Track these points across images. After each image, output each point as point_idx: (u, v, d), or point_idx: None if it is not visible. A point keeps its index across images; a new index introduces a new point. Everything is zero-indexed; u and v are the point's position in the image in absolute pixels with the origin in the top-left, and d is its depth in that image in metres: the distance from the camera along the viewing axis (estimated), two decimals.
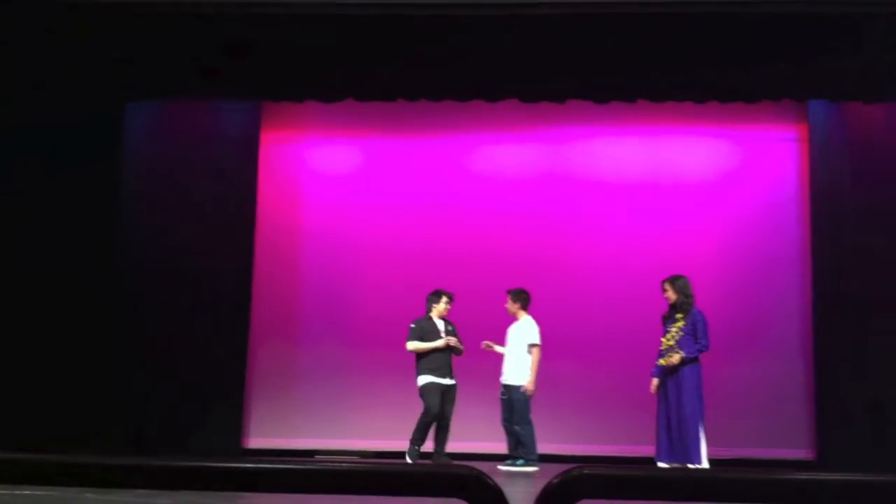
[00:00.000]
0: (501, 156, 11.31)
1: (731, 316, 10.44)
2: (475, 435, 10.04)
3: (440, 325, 9.58)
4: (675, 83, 9.97)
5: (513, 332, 9.75)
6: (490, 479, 1.65)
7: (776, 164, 11.09)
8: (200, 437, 10.33)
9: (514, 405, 9.45)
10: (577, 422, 10.50)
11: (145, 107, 11.00)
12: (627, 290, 10.62)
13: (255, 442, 10.80)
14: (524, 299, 9.76)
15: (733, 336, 10.35)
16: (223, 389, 10.59)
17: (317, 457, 10.37)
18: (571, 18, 9.09)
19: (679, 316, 8.94)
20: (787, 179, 11.01)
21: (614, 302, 10.69)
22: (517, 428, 9.41)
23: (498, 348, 9.71)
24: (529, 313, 9.77)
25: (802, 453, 10.32)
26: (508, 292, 9.80)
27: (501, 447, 9.61)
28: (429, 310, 9.67)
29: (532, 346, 9.57)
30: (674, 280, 9.08)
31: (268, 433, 10.82)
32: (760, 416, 10.36)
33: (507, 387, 9.56)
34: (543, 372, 9.64)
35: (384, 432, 10.58)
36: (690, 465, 8.53)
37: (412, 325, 9.58)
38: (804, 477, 1.67)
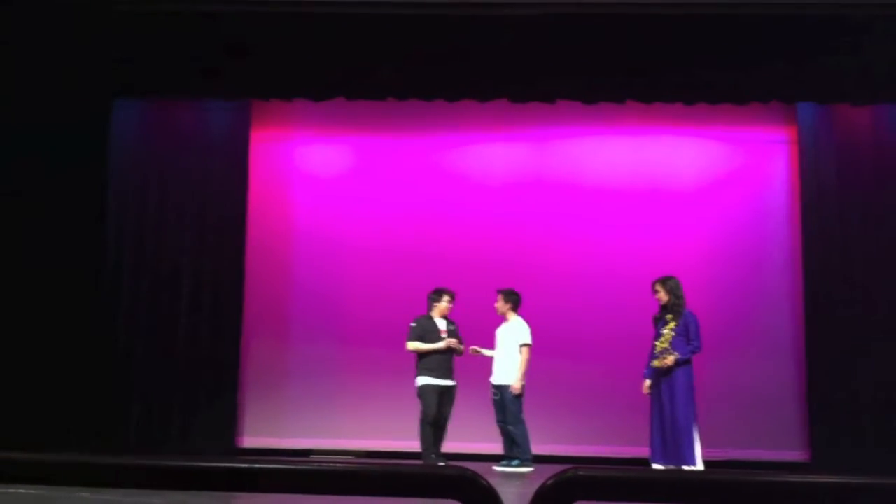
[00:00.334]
0: (491, 155, 11.32)
1: (723, 317, 10.46)
2: (470, 435, 10.03)
3: (441, 324, 9.53)
4: (665, 84, 10.00)
5: (503, 332, 9.73)
6: (484, 479, 1.65)
7: (765, 165, 11.11)
8: (194, 437, 10.34)
9: (506, 405, 9.45)
10: (572, 422, 10.50)
11: (134, 105, 10.98)
12: (619, 291, 10.63)
13: (248, 441, 10.79)
14: (515, 300, 9.75)
15: (725, 337, 10.36)
16: (216, 389, 10.58)
17: (311, 456, 10.36)
18: (562, 19, 9.12)
19: (670, 317, 8.93)
20: (776, 181, 11.03)
21: (606, 302, 10.70)
22: (510, 428, 9.41)
23: (485, 352, 9.69)
24: (519, 314, 9.76)
25: (795, 455, 10.33)
26: (500, 292, 9.78)
27: (496, 448, 9.61)
28: (430, 308, 9.59)
29: (523, 345, 9.56)
30: (665, 281, 9.08)
31: (261, 432, 10.81)
32: (753, 417, 10.37)
33: (498, 387, 9.55)
34: (537, 372, 9.64)
35: (377, 432, 10.58)
36: (684, 467, 8.54)
37: (412, 325, 9.50)
38: (797, 479, 1.67)
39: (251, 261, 11.00)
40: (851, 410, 9.97)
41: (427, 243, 11.02)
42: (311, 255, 11.20)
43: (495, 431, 9.61)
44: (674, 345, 8.79)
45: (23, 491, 5.98)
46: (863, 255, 10.31)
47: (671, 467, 8.54)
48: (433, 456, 9.15)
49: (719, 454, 9.70)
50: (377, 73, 10.04)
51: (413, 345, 9.42)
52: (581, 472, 1.66)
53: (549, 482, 1.65)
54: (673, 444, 8.71)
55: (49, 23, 9.24)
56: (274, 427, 10.83)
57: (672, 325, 8.88)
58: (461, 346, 9.49)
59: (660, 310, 9.12)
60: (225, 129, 11.14)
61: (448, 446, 9.42)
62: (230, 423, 10.65)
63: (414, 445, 9.31)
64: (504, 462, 9.40)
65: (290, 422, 10.86)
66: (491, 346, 9.74)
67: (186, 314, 10.70)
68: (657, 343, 8.90)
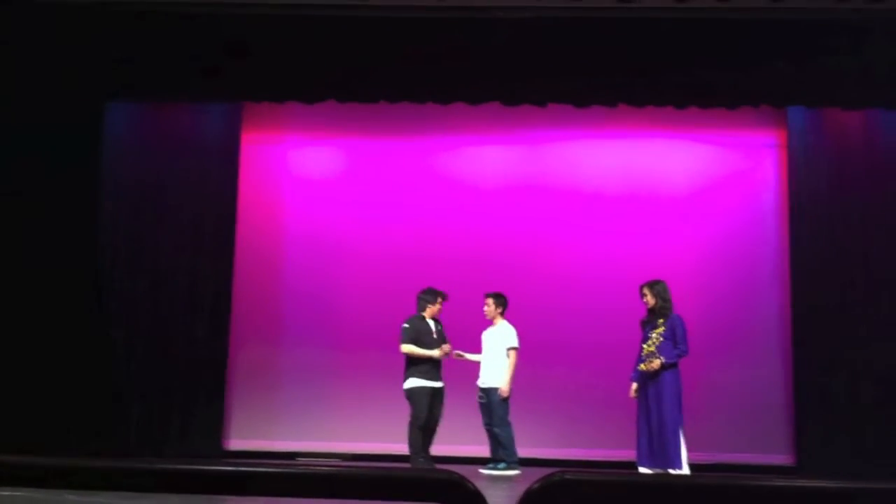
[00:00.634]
0: (483, 158, 11.32)
1: (711, 321, 10.47)
2: (457, 438, 10.02)
3: (432, 325, 9.54)
4: (656, 88, 10.02)
5: (490, 336, 9.73)
6: (470, 483, 1.66)
7: (756, 169, 11.13)
8: (181, 439, 10.31)
9: (493, 408, 9.45)
10: (559, 426, 10.50)
11: (127, 107, 10.96)
12: (607, 294, 10.63)
13: (235, 444, 10.77)
14: (504, 304, 9.76)
15: (713, 341, 10.38)
16: (204, 391, 10.55)
17: (298, 459, 10.35)
18: (554, 22, 9.13)
19: (660, 321, 8.94)
20: (766, 185, 11.05)
21: (595, 305, 10.71)
22: (496, 430, 9.40)
23: (468, 356, 9.68)
24: (506, 317, 9.77)
25: (781, 458, 10.35)
26: (490, 296, 9.77)
27: (483, 451, 9.60)
28: (422, 309, 9.53)
29: (511, 349, 9.56)
30: (652, 285, 9.08)
31: (249, 435, 10.79)
32: (740, 421, 10.39)
33: (485, 390, 9.55)
34: (525, 376, 9.64)
35: (366, 435, 10.57)
36: (670, 470, 8.55)
37: (405, 326, 9.41)
38: (784, 483, 1.68)
39: (241, 263, 10.98)
40: (838, 415, 9.99)
41: (417, 246, 11.02)
42: (301, 257, 11.19)
43: (482, 434, 9.60)
44: (661, 348, 8.80)
45: (7, 493, 5.96)
46: (852, 260, 10.33)
47: (658, 471, 8.54)
48: (421, 459, 9.14)
49: (706, 458, 9.72)
50: (369, 76, 10.03)
51: (408, 348, 9.32)
52: (568, 476, 1.66)
53: (536, 486, 1.66)
54: (659, 448, 8.71)
55: (42, 26, 9.22)
56: (262, 429, 10.81)
57: (660, 329, 8.88)
58: (450, 350, 9.47)
59: (647, 313, 9.12)
60: (216, 131, 11.12)
61: (435, 449, 9.38)
62: (218, 425, 10.62)
63: (402, 448, 9.28)
64: (490, 465, 9.39)
65: (277, 424, 10.84)
66: (477, 348, 9.73)
67: (176, 316, 10.68)
68: (644, 347, 8.91)
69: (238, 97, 10.89)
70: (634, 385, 9.01)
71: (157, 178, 10.92)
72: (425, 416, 9.18)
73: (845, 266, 10.34)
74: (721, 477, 1.69)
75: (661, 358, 8.72)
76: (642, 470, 8.66)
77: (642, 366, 8.83)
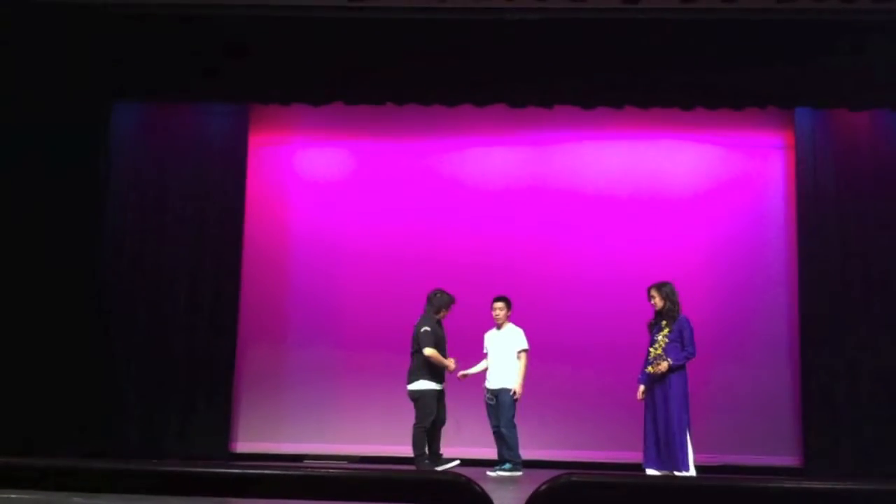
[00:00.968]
0: (489, 160, 11.31)
1: (718, 322, 10.45)
2: (464, 440, 10.01)
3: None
4: (663, 89, 10.00)
5: (497, 337, 9.71)
6: (478, 485, 1.66)
7: (762, 170, 11.11)
8: (188, 441, 10.31)
9: (502, 408, 9.44)
10: (565, 427, 10.49)
11: (133, 107, 10.97)
12: (614, 295, 10.61)
13: (242, 446, 10.77)
14: (511, 307, 9.76)
15: (720, 343, 10.37)
16: (211, 393, 10.56)
17: (305, 461, 10.35)
18: (560, 24, 9.13)
19: (665, 323, 8.93)
20: (774, 186, 11.02)
21: (602, 307, 10.68)
22: (504, 430, 9.40)
23: (473, 371, 9.69)
24: (510, 320, 9.77)
25: (788, 460, 10.32)
26: (501, 299, 9.75)
27: (490, 453, 9.59)
28: (437, 311, 9.46)
29: (523, 351, 9.57)
30: (660, 286, 9.07)
31: (255, 437, 10.79)
32: (747, 423, 10.36)
33: (496, 391, 9.54)
34: (531, 377, 9.62)
35: (372, 437, 10.56)
36: (677, 472, 8.54)
37: (427, 329, 9.28)
38: (791, 485, 1.68)
39: (248, 264, 10.99)
40: (845, 416, 9.97)
41: (424, 248, 11.01)
42: (308, 259, 11.19)
43: (488, 437, 9.60)
44: (668, 350, 8.79)
45: (14, 496, 5.97)
46: (859, 261, 10.31)
47: (664, 473, 8.53)
48: (427, 461, 9.14)
49: (712, 459, 9.71)
50: (375, 78, 10.03)
51: (432, 351, 9.24)
52: (574, 478, 1.66)
53: (543, 487, 1.65)
54: (666, 450, 8.71)
55: (48, 25, 9.24)
56: (269, 432, 10.81)
57: (667, 330, 8.87)
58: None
59: (654, 315, 9.11)
60: (223, 133, 11.13)
61: (441, 451, 9.40)
62: (224, 427, 10.62)
63: (408, 450, 9.28)
64: (497, 467, 9.39)
65: (284, 427, 10.84)
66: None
67: (183, 317, 10.69)
68: (652, 349, 8.89)
69: (245, 99, 10.90)
70: (641, 387, 9.01)
71: (163, 179, 10.93)
72: (433, 418, 9.19)
73: (853, 268, 10.31)
74: (728, 479, 1.69)
75: (669, 360, 8.71)
76: (649, 472, 8.66)
77: (650, 368, 8.81)
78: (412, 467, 8.88)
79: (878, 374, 9.95)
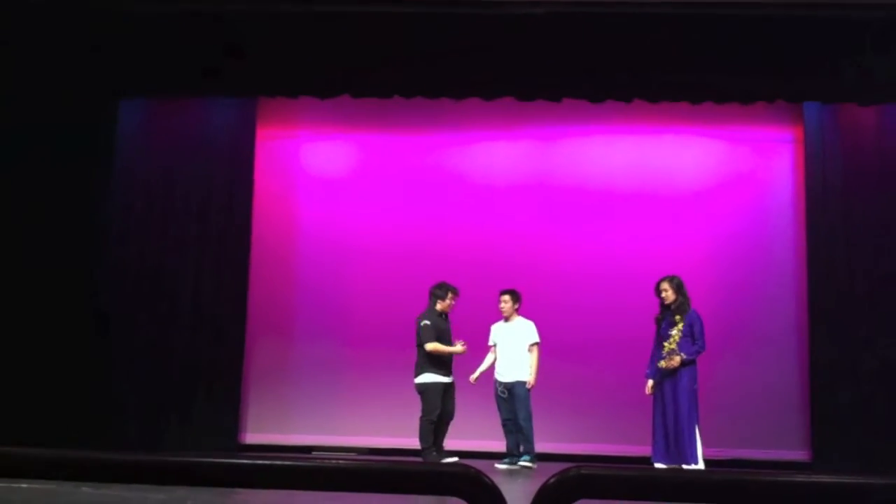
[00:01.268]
0: (497, 154, 11.31)
1: (726, 317, 10.44)
2: (471, 433, 10.03)
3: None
4: (671, 84, 9.98)
5: (507, 330, 9.72)
6: (488, 478, 1.66)
7: (771, 165, 11.09)
8: (197, 432, 10.34)
9: (519, 401, 9.45)
10: (574, 421, 10.50)
11: (140, 103, 10.99)
12: (621, 289, 10.60)
13: (251, 438, 10.80)
14: (520, 300, 9.77)
15: (728, 337, 10.35)
16: (220, 385, 10.59)
17: (313, 453, 10.37)
18: (568, 17, 9.10)
19: (678, 318, 8.92)
20: (782, 181, 11.01)
21: (609, 301, 10.68)
22: (523, 423, 9.41)
23: (482, 368, 9.69)
24: (520, 313, 9.78)
25: (797, 455, 10.32)
26: (507, 293, 9.76)
27: (498, 445, 9.61)
28: (433, 304, 9.56)
29: (536, 344, 9.59)
30: (672, 279, 9.07)
31: (265, 429, 10.82)
32: (755, 417, 10.36)
33: (509, 384, 9.53)
34: (540, 371, 9.64)
35: (380, 429, 10.59)
36: (686, 466, 8.54)
37: (427, 323, 9.40)
38: (800, 479, 1.67)
39: (256, 258, 11.01)
40: (854, 411, 9.95)
41: (431, 242, 11.02)
42: (316, 252, 11.20)
43: (496, 429, 9.61)
44: (680, 345, 8.80)
45: (24, 485, 6.00)
46: (868, 256, 10.28)
47: (673, 466, 8.53)
48: (434, 453, 9.16)
49: (720, 453, 9.71)
50: (383, 71, 10.03)
51: (434, 345, 9.33)
52: (584, 471, 1.66)
53: (552, 480, 1.66)
54: (675, 444, 8.72)
55: (52, 22, 9.24)
56: (278, 424, 10.84)
57: (679, 325, 8.87)
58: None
59: (662, 309, 9.10)
60: (230, 127, 11.14)
61: (448, 444, 9.42)
62: (234, 419, 10.66)
63: (415, 443, 9.31)
64: (507, 460, 9.41)
65: (293, 418, 10.87)
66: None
67: (191, 310, 10.72)
68: (666, 344, 8.88)
69: (252, 92, 10.90)
70: (650, 382, 9.02)
71: (171, 173, 10.96)
72: (438, 411, 9.21)
73: (861, 263, 10.29)
74: (736, 473, 1.69)
75: (682, 354, 8.71)
76: (657, 466, 8.66)
77: (662, 363, 8.81)
78: (419, 459, 8.90)
79: (888, 369, 9.93)
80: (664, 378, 8.86)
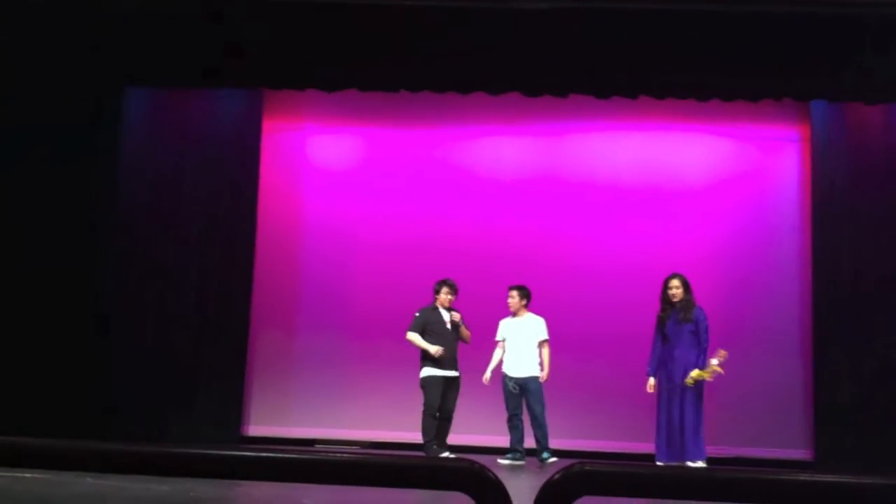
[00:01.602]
0: (502, 149, 11.29)
1: (730, 315, 10.42)
2: (474, 428, 10.03)
3: (445, 315, 9.57)
4: (678, 80, 9.97)
5: (516, 326, 9.71)
6: (492, 473, 1.66)
7: (777, 163, 11.06)
8: (200, 424, 10.34)
9: (534, 397, 9.45)
10: (578, 418, 10.48)
11: (145, 94, 10.98)
12: (626, 286, 10.58)
13: (254, 430, 10.81)
14: (529, 296, 9.77)
15: (732, 336, 10.31)
16: (223, 377, 10.60)
17: (315, 446, 10.39)
18: (575, 13, 9.09)
19: (684, 315, 8.93)
20: (788, 179, 10.98)
21: (613, 298, 10.66)
22: (540, 418, 9.42)
23: (493, 365, 9.69)
24: (529, 309, 9.78)
25: (799, 453, 10.31)
26: (515, 288, 9.76)
27: (501, 441, 9.61)
28: (434, 299, 9.66)
29: (546, 341, 9.61)
30: (682, 277, 9.09)
31: (267, 421, 10.82)
32: (758, 416, 10.35)
33: (522, 380, 9.52)
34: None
35: (383, 423, 10.60)
36: (690, 463, 8.55)
37: (416, 314, 9.56)
38: (802, 478, 1.67)
39: (261, 249, 11.02)
40: (857, 410, 9.94)
41: (436, 236, 11.02)
42: (320, 245, 11.20)
43: (499, 425, 9.62)
44: (690, 344, 8.83)
45: (28, 475, 6.02)
46: (872, 255, 10.26)
47: (676, 464, 8.54)
48: (435, 447, 9.18)
49: (723, 451, 9.71)
50: (389, 65, 10.02)
51: (412, 335, 9.50)
52: (588, 468, 1.66)
53: (556, 476, 1.66)
54: (680, 440, 8.72)
55: (58, 9, 9.23)
56: (280, 416, 10.85)
57: (689, 324, 8.90)
58: (466, 332, 9.53)
59: (664, 306, 9.10)
60: (236, 119, 11.14)
61: (451, 439, 9.43)
62: (236, 411, 10.67)
63: (418, 437, 9.33)
64: (510, 455, 9.40)
65: (295, 411, 10.88)
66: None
67: (195, 302, 10.72)
68: (713, 362, 8.84)
69: (259, 84, 10.89)
70: (651, 380, 9.02)
71: (176, 162, 10.95)
72: (437, 405, 9.24)
73: (867, 261, 10.26)
74: (739, 471, 1.69)
75: (718, 369, 8.76)
76: (660, 463, 8.67)
77: (689, 381, 8.78)
78: (421, 454, 8.91)
79: (892, 368, 9.91)
80: (671, 377, 8.87)
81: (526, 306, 9.77)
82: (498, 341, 9.75)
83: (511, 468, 9.08)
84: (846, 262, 10.32)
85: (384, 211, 11.17)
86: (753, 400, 10.38)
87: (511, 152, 11.29)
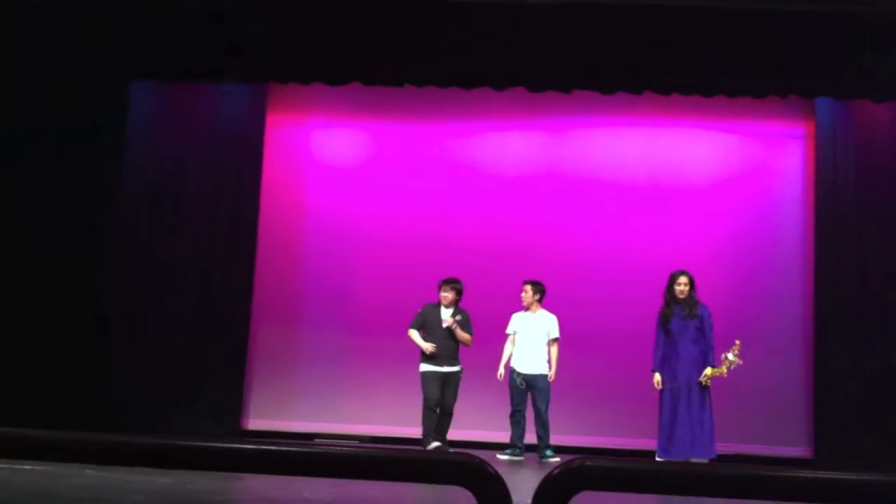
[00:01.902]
0: (506, 144, 11.28)
1: (734, 312, 10.39)
2: (473, 423, 10.03)
3: (445, 313, 9.57)
4: (683, 76, 9.95)
5: (528, 321, 9.68)
6: (492, 467, 1.66)
7: (781, 160, 11.04)
8: (200, 418, 10.35)
9: (541, 394, 9.47)
10: (580, 413, 10.48)
11: (149, 88, 10.98)
12: (629, 283, 10.59)
13: (254, 423, 10.82)
14: (543, 291, 9.75)
15: (735, 332, 10.31)
16: (224, 370, 10.60)
17: (316, 440, 10.39)
18: (580, 8, 9.09)
19: (689, 312, 8.94)
20: (793, 176, 10.97)
21: (617, 294, 10.66)
22: (545, 415, 9.43)
23: (504, 361, 9.68)
24: (542, 306, 9.78)
25: (799, 451, 10.31)
26: (528, 283, 9.76)
27: (501, 436, 9.61)
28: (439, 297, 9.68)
29: (556, 340, 9.62)
30: (690, 274, 9.10)
31: (268, 415, 10.83)
32: (759, 413, 10.34)
33: (532, 377, 9.51)
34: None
35: (383, 417, 10.60)
36: (708, 459, 8.59)
37: (418, 311, 9.62)
38: (803, 475, 1.67)
39: (263, 244, 11.01)
40: (858, 408, 9.94)
41: (439, 232, 11.01)
42: (323, 240, 11.19)
43: (498, 420, 9.62)
44: (697, 340, 8.85)
45: (28, 467, 6.02)
46: (875, 254, 10.25)
47: (677, 460, 8.55)
48: (431, 440, 9.20)
49: (724, 448, 9.70)
50: (394, 59, 10.01)
51: (409, 332, 9.59)
52: (588, 463, 1.66)
53: (557, 471, 1.65)
54: (700, 435, 8.77)
55: (63, 3, 9.23)
56: (281, 410, 10.86)
57: (695, 320, 8.91)
58: (466, 333, 9.52)
59: (668, 303, 9.10)
60: (241, 112, 11.13)
61: (451, 434, 9.44)
62: (237, 404, 10.68)
63: (419, 432, 9.34)
64: (509, 450, 9.41)
65: (296, 405, 10.88)
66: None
67: (198, 296, 10.73)
68: (729, 356, 8.87)
69: (263, 78, 10.89)
70: (657, 376, 9.02)
71: (180, 156, 10.95)
72: (435, 400, 9.28)
73: (869, 260, 10.26)
74: (740, 467, 1.68)
75: (718, 366, 8.80)
76: (661, 460, 8.68)
77: (703, 380, 8.81)
78: (419, 448, 8.92)
79: (890, 367, 9.91)
80: (675, 373, 8.88)
81: (539, 301, 9.76)
82: (508, 334, 9.74)
83: (510, 463, 9.08)
84: (849, 259, 10.31)
85: (387, 206, 11.16)
86: (754, 397, 10.36)
87: (515, 148, 11.28)
